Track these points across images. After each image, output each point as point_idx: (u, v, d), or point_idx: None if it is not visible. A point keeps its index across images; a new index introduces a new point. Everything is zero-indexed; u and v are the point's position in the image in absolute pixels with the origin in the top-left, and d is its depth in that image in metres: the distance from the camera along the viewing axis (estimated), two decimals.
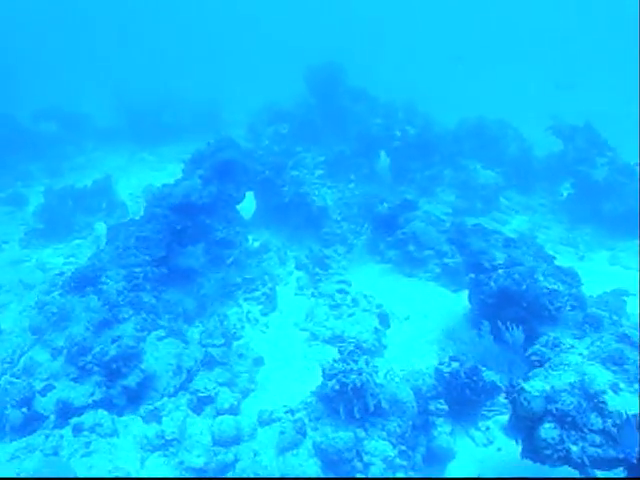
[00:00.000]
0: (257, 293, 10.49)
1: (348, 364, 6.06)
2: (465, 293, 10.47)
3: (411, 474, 6.38)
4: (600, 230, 13.87)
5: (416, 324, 9.37)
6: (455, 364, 7.43)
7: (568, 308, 8.18)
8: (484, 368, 7.55)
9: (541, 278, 8.23)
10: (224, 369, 7.65)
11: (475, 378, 7.43)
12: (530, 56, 36.94)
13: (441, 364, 7.63)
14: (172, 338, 8.07)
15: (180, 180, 10.87)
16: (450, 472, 7.01)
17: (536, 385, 5.50)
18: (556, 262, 9.08)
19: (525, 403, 5.28)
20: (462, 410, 7.52)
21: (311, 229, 13.16)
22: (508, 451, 7.35)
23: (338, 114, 19.47)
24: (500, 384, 7.61)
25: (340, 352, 6.35)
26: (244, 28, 47.91)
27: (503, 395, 7.72)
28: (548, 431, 5.14)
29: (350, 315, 8.86)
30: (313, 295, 9.89)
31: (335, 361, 6.22)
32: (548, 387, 5.42)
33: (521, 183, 16.84)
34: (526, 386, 5.50)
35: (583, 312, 8.08)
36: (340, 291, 9.63)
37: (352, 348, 6.36)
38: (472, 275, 8.39)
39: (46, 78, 29.43)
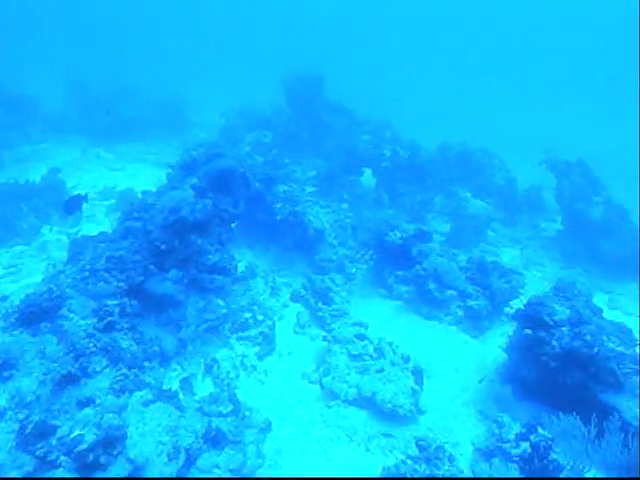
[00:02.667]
0: (253, 332, 8.44)
1: (437, 467, 4.26)
2: (487, 339, 9.09)
3: None
4: (595, 270, 13.01)
5: (447, 380, 7.73)
6: (525, 444, 5.87)
7: (629, 372, 6.93)
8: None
9: (604, 337, 6.90)
10: (236, 449, 5.58)
11: (545, 462, 5.92)
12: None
13: (503, 442, 6.03)
14: (161, 402, 5.88)
15: (165, 188, 8.63)
16: None
17: None
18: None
19: None
20: None
21: (303, 253, 11.27)
22: None
23: (317, 126, 17.80)
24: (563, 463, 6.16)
25: (420, 448, 4.53)
26: (214, 26, 45.00)
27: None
28: None
29: (379, 371, 7.05)
30: (325, 339, 7.99)
31: (414, 460, 4.40)
32: None
33: (506, 215, 15.89)
34: None
35: None
36: (359, 337, 7.80)
37: (438, 443, 4.55)
38: (528, 331, 6.86)
39: None
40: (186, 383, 7.56)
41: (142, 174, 16.22)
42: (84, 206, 12.78)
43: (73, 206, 9.00)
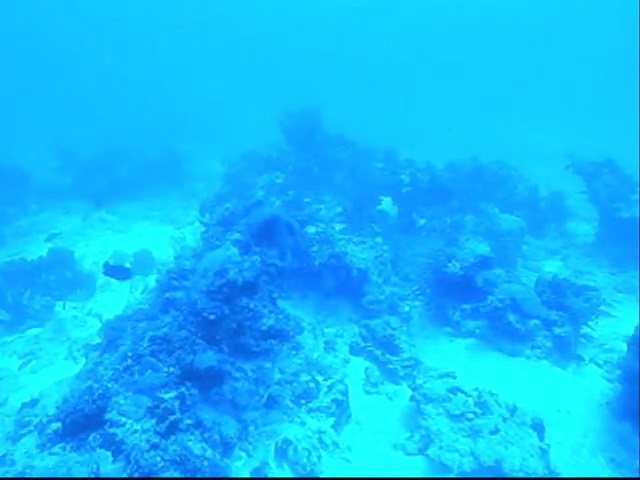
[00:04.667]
0: (325, 400, 7.17)
1: None
2: (581, 369, 7.93)
3: None
4: None
5: (563, 427, 6.53)
6: None
7: None
8: None
9: None
10: None
11: None
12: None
13: None
14: None
15: (203, 249, 7.50)
16: None
17: None
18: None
19: None
20: None
21: (346, 297, 10.14)
22: None
23: (322, 161, 16.93)
24: None
25: None
26: (194, 77, 44.66)
27: None
28: None
29: (494, 431, 5.84)
30: (413, 399, 6.75)
31: None
32: None
33: (534, 225, 14.98)
34: None
35: None
36: (453, 391, 6.60)
37: None
38: None
39: None
40: (259, 474, 6.29)
41: (150, 232, 15.08)
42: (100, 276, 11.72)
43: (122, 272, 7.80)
